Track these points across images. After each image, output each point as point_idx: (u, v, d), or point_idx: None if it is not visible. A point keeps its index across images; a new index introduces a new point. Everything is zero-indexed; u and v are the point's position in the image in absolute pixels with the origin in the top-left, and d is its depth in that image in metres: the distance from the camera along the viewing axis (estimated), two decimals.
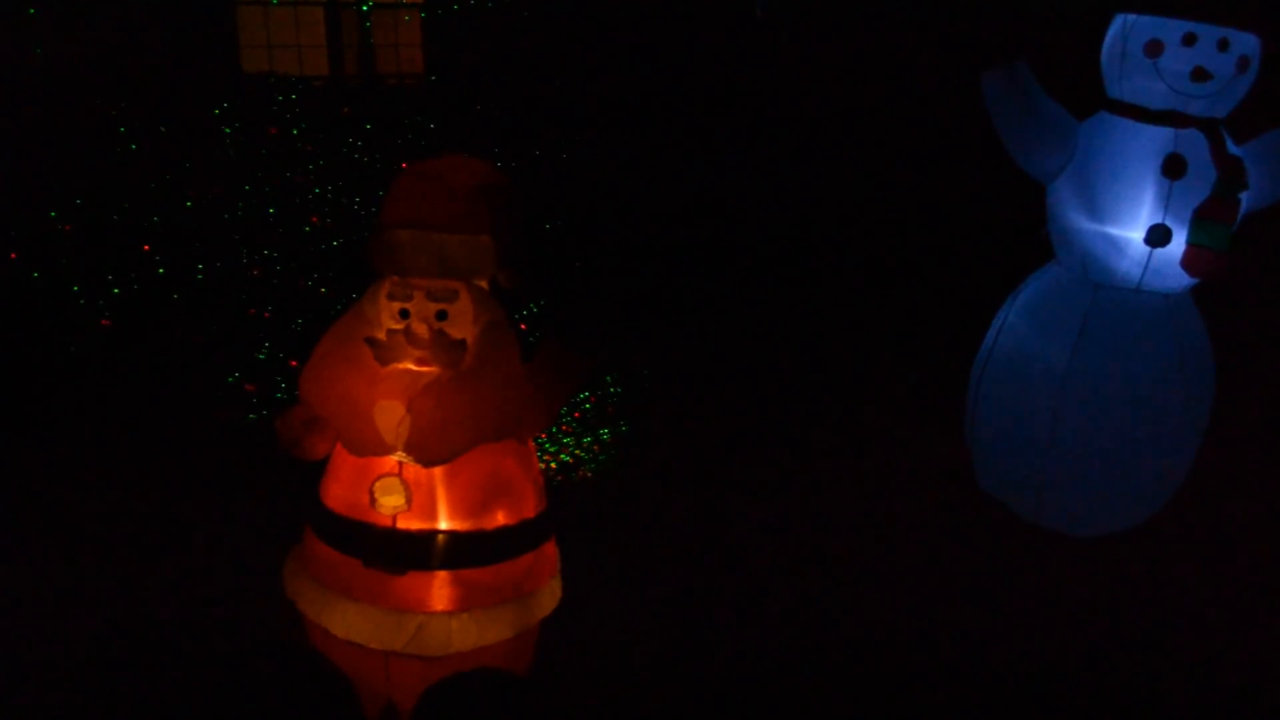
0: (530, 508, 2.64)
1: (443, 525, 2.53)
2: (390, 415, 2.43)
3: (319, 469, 2.69)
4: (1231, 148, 3.55)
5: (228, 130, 5.78)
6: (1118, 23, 3.60)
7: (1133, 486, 3.78)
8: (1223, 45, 3.45)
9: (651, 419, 4.50)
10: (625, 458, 4.25)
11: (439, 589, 2.53)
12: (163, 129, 5.74)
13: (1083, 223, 3.62)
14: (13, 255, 5.23)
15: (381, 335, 2.48)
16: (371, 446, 2.50)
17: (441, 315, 2.48)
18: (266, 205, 5.41)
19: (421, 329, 2.46)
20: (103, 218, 5.38)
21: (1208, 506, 4.08)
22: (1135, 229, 3.53)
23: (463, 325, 2.49)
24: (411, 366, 2.47)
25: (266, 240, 5.29)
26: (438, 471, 2.51)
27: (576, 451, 4.11)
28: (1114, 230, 3.56)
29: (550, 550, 2.75)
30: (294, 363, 4.61)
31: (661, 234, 6.43)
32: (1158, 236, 3.49)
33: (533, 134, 5.94)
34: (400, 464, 2.50)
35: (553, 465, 4.05)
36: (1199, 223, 3.46)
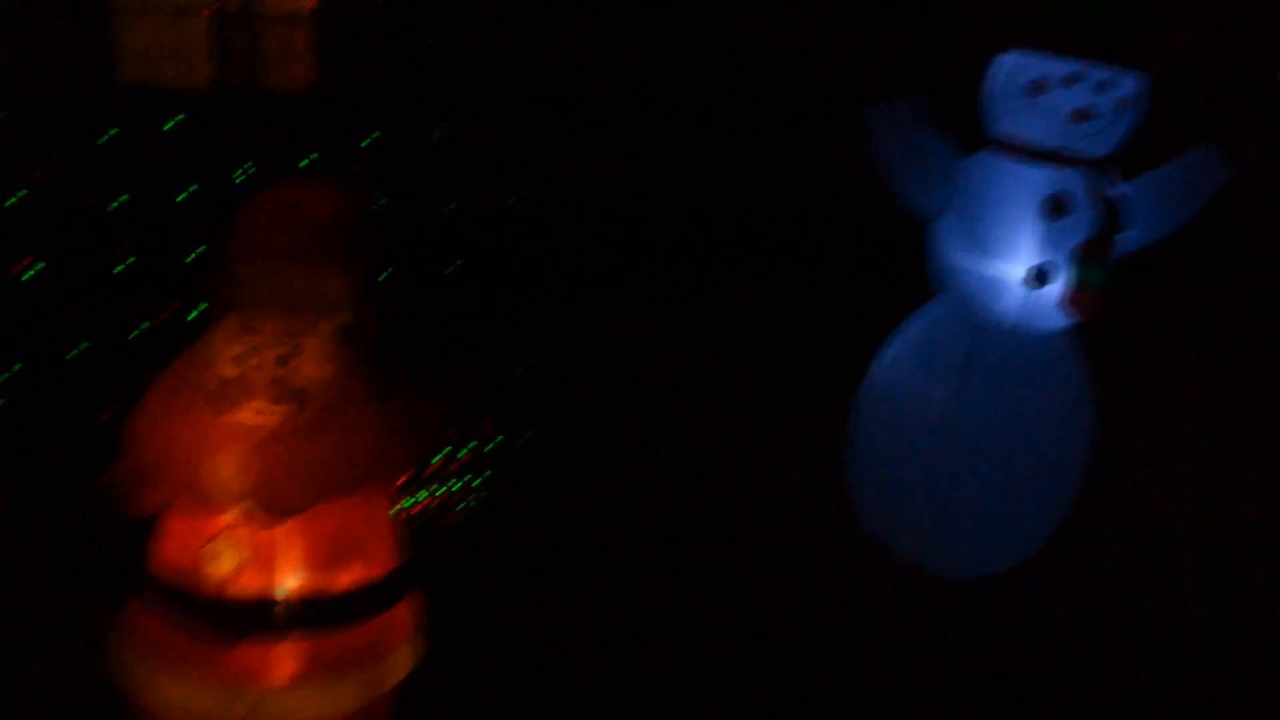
0: (382, 565, 2.45)
1: (284, 588, 2.32)
2: (226, 471, 2.24)
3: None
4: (1111, 188, 3.55)
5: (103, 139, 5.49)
6: (1001, 61, 3.58)
7: (1013, 526, 3.76)
8: (1104, 86, 3.45)
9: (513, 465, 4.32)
10: (492, 499, 4.07)
11: (279, 659, 2.32)
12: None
13: (964, 261, 3.59)
14: None
15: (220, 380, 2.28)
16: (210, 500, 2.29)
17: (285, 359, 2.29)
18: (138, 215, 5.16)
19: (264, 373, 2.27)
20: None
21: None
22: (1016, 268, 3.51)
23: (309, 369, 2.30)
24: (252, 414, 2.27)
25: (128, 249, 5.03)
26: (279, 529, 2.32)
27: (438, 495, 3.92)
28: (995, 269, 3.54)
29: (405, 610, 2.57)
30: None
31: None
32: (1039, 276, 3.48)
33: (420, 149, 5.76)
34: (234, 523, 2.30)
35: (413, 511, 3.85)
36: (1079, 263, 3.46)
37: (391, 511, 2.58)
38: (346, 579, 2.38)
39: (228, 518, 2.29)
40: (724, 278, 6.74)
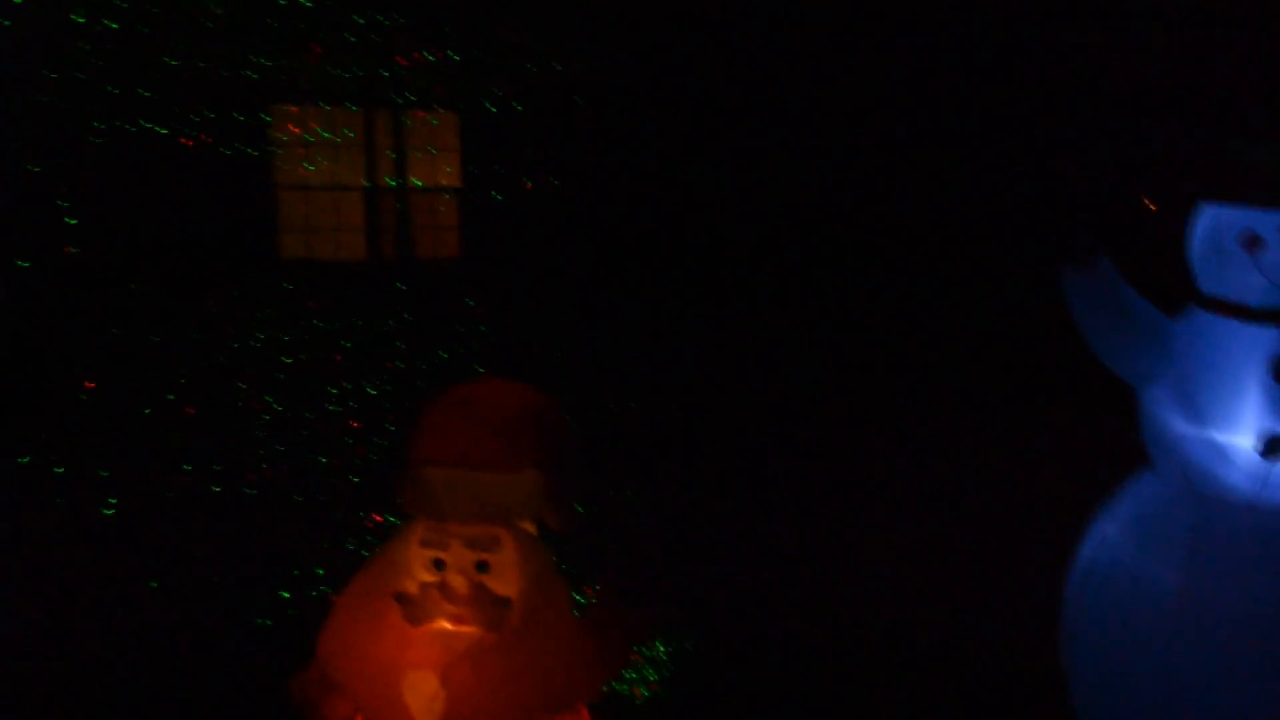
0: None
1: None
2: (422, 689, 2.09)
3: None
4: None
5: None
6: (1207, 214, 3.35)
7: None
8: None
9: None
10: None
11: None
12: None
13: (1184, 428, 3.28)
14: None
15: (413, 589, 2.16)
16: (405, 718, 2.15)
17: (482, 566, 2.16)
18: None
19: (459, 582, 2.15)
20: None
21: None
22: (1245, 436, 3.19)
23: (507, 577, 2.17)
24: (447, 626, 2.14)
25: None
26: None
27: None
28: (1221, 437, 3.22)
29: None
30: None
31: None
32: (1273, 446, 3.15)
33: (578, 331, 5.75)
34: None
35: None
36: None
37: None
38: None
39: None
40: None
